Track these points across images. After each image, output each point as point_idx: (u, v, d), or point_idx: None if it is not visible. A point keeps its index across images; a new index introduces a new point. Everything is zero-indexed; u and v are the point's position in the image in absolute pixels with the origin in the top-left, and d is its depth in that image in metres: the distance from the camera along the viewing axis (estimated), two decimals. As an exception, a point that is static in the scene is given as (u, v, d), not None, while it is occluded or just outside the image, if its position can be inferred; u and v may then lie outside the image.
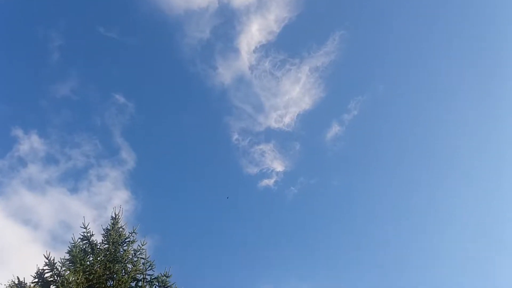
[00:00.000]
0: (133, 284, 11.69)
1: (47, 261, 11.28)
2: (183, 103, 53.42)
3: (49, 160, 43.71)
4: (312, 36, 51.31)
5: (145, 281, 11.70)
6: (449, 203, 50.46)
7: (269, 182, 46.07)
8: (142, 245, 12.51)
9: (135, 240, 12.71)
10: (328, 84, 47.61)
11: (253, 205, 50.18)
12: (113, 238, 12.40)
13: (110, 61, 51.03)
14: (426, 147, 52.88)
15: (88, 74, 49.18)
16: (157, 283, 11.73)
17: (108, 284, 11.44)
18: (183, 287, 12.15)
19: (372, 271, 44.04)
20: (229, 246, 46.97)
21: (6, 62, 47.47)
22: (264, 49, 46.05)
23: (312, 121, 49.71)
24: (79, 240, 12.11)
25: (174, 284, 11.90)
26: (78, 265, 11.25)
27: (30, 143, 42.31)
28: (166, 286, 11.73)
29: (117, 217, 13.02)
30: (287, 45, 48.87)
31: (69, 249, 11.68)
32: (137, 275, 11.83)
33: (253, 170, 46.92)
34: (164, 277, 11.80)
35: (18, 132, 42.64)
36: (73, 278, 11.07)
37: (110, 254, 12.06)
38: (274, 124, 47.14)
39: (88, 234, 12.29)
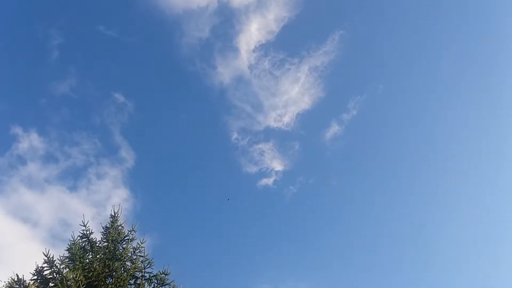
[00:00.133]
0: (132, 281, 11.73)
1: (46, 258, 11.32)
2: (183, 102, 53.44)
3: (49, 158, 43.72)
4: (312, 36, 51.31)
5: (143, 278, 11.75)
6: (448, 203, 50.58)
7: (268, 181, 46.14)
8: (141, 243, 12.57)
9: (134, 238, 12.76)
10: (327, 83, 47.65)
11: (252, 204, 50.24)
12: (112, 236, 12.45)
13: (110, 59, 51.01)
14: (425, 147, 52.98)
15: (87, 72, 49.16)
16: (155, 281, 11.79)
17: (107, 281, 11.48)
18: (182, 285, 12.21)
19: (370, 271, 44.14)
20: (228, 245, 47.04)
21: (6, 60, 47.43)
22: (264, 49, 46.07)
23: (311, 121, 49.76)
24: (79, 238, 12.15)
25: (173, 282, 11.97)
26: (77, 263, 11.29)
27: (29, 141, 42.31)
28: (164, 284, 11.78)
29: (116, 215, 13.07)
30: (287, 45, 48.90)
31: (69, 247, 11.71)
32: (136, 272, 11.88)
33: (252, 169, 46.98)
34: (163, 275, 11.85)
35: (18, 130, 42.61)
36: (72, 276, 11.12)
37: (109, 252, 12.11)
38: (273, 124, 47.20)
39: (88, 232, 12.33)
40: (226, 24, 46.27)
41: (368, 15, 51.11)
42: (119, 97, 45.89)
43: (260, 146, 46.41)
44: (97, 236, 12.57)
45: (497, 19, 48.55)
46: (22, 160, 42.36)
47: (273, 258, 45.35)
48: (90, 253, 12.03)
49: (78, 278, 11.06)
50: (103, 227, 12.79)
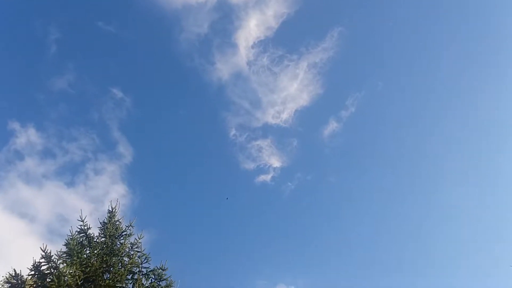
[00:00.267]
0: (129, 277, 11.74)
1: (43, 254, 11.30)
2: (181, 98, 53.37)
3: (46, 153, 43.66)
4: (311, 32, 51.25)
5: (141, 274, 11.75)
6: (446, 201, 50.71)
7: (266, 177, 46.20)
8: (139, 239, 12.56)
9: (132, 234, 12.75)
10: (326, 80, 47.65)
11: (250, 201, 50.31)
12: (110, 232, 12.44)
13: (108, 55, 50.88)
14: (423, 144, 53.06)
15: (85, 68, 49.04)
16: (153, 276, 11.79)
17: (105, 277, 11.49)
18: (179, 280, 12.23)
19: (367, 268, 44.27)
20: (225, 241, 47.12)
21: (4, 55, 47.23)
22: (262, 45, 46.01)
23: (309, 118, 49.79)
24: (76, 233, 12.14)
25: (170, 277, 11.98)
26: (75, 258, 11.29)
27: (27, 136, 42.23)
28: (162, 279, 11.79)
29: (114, 210, 13.06)
30: (285, 41, 48.84)
31: (66, 242, 11.70)
32: (133, 268, 11.89)
33: (250, 165, 47.01)
34: (160, 270, 11.86)
35: (15, 125, 42.51)
36: (70, 271, 11.11)
37: (107, 247, 12.10)
38: (271, 120, 47.21)
39: (85, 227, 12.32)
40: (225, 20, 46.19)
41: (367, 12, 51.08)
42: (117, 93, 45.83)
43: (258, 142, 46.46)
44: (94, 231, 12.58)
45: (497, 18, 48.56)
46: (19, 156, 42.30)
47: (270, 254, 45.48)
48: (88, 248, 12.03)
49: (76, 273, 11.06)
50: (100, 223, 12.79)
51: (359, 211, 50.60)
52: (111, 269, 11.64)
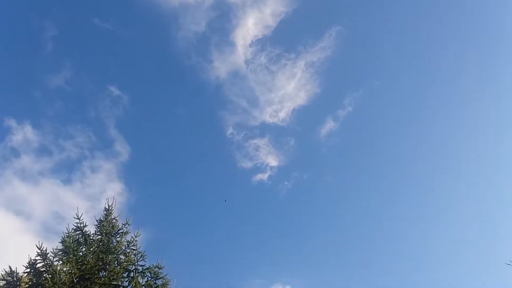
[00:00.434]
0: (125, 275, 11.72)
1: (39, 251, 11.27)
2: (178, 96, 53.30)
3: (42, 151, 43.53)
4: (309, 31, 51.29)
5: (137, 272, 11.74)
6: (444, 200, 50.90)
7: (263, 176, 46.22)
8: (135, 237, 12.53)
9: (128, 232, 12.72)
10: (323, 79, 47.71)
11: (247, 199, 50.32)
12: (106, 229, 12.41)
13: (105, 52, 50.72)
14: (420, 144, 53.20)
15: (82, 65, 48.91)
16: (149, 274, 11.78)
17: (101, 274, 11.47)
18: (175, 279, 12.22)
19: (364, 268, 44.37)
20: (222, 240, 47.11)
21: (0, 52, 47.02)
22: (260, 44, 45.99)
23: (307, 117, 49.83)
24: (72, 230, 12.11)
25: (166, 275, 11.96)
26: (70, 256, 11.26)
27: (23, 133, 42.07)
28: (158, 277, 11.78)
29: (110, 208, 13.02)
30: (283, 40, 48.86)
31: (62, 239, 11.67)
32: (129, 266, 11.87)
33: (247, 164, 47.02)
34: (157, 268, 11.85)
35: (11, 122, 42.34)
36: (65, 269, 11.09)
37: (103, 245, 12.08)
38: (269, 119, 47.22)
39: (81, 225, 12.29)
40: (223, 18, 46.14)
41: (365, 11, 51.13)
42: (114, 91, 45.74)
43: (256, 141, 46.47)
44: (91, 229, 12.55)
45: (495, 17, 48.69)
46: (15, 153, 42.16)
47: (267, 253, 45.53)
48: (84, 246, 11.99)
49: (71, 271, 11.04)
50: (97, 220, 12.75)
51: (356, 211, 50.71)
52: (107, 267, 11.62)
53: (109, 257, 11.85)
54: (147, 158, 51.03)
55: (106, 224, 12.56)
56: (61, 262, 11.19)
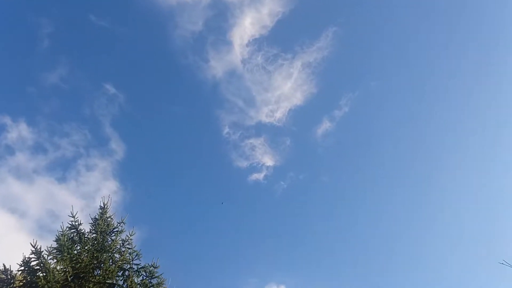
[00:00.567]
0: (120, 273, 11.69)
1: (33, 249, 11.21)
2: (174, 95, 53.20)
3: (37, 149, 43.34)
4: (305, 32, 51.40)
5: (132, 270, 11.71)
6: (440, 200, 51.13)
7: (259, 176, 46.26)
8: (131, 235, 12.49)
9: (123, 231, 12.67)
10: (320, 80, 47.79)
11: (242, 199, 50.33)
12: (101, 228, 12.36)
13: (101, 50, 50.58)
14: (416, 144, 53.39)
15: (78, 63, 48.73)
16: (144, 273, 11.74)
17: (95, 273, 11.42)
18: (170, 278, 12.20)
19: (359, 268, 44.50)
20: (217, 239, 47.10)
21: (-4, 48, 46.72)
22: (257, 43, 46.01)
23: (303, 117, 49.92)
24: (67, 228, 12.05)
25: (161, 275, 11.93)
26: (65, 254, 11.21)
27: (18, 131, 41.87)
28: (153, 276, 11.75)
29: (105, 207, 12.96)
30: (280, 40, 48.92)
31: (57, 238, 11.61)
32: (124, 264, 11.83)
33: (243, 163, 47.03)
34: (152, 267, 11.82)
35: (6, 120, 42.14)
36: (60, 267, 11.04)
37: (97, 243, 12.03)
38: (265, 119, 47.24)
39: (76, 223, 12.23)
40: (220, 17, 46.11)
41: (362, 12, 51.24)
42: (110, 89, 45.59)
43: (252, 141, 46.48)
44: (85, 227, 12.49)
45: (492, 17, 48.93)
46: (10, 150, 41.96)
47: (262, 253, 45.57)
48: (78, 244, 11.94)
49: (66, 269, 10.99)
50: (92, 219, 12.70)
51: (351, 211, 50.84)
52: (102, 265, 11.57)
53: (103, 255, 11.80)
54: (142, 156, 50.96)
55: (101, 222, 12.51)
56: (55, 260, 11.13)
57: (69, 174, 43.44)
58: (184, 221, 48.98)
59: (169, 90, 53.09)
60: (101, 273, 11.38)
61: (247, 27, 45.06)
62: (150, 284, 11.54)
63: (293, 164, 50.08)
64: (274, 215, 50.36)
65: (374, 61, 52.82)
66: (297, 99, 47.43)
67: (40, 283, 10.25)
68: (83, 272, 11.15)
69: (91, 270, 11.30)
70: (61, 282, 10.59)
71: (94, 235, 12.31)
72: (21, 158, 42.20)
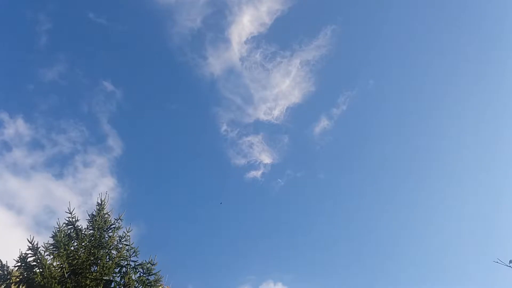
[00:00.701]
0: (117, 270, 11.66)
1: (30, 245, 11.16)
2: (172, 92, 53.10)
3: (35, 145, 43.20)
4: (304, 30, 51.35)
5: (129, 267, 11.68)
6: (437, 198, 51.29)
7: (256, 173, 46.27)
8: (128, 232, 12.46)
9: (121, 227, 12.63)
10: (318, 78, 47.78)
11: (240, 196, 50.34)
12: (98, 224, 12.32)
13: (99, 47, 50.39)
14: (414, 143, 53.52)
15: (76, 59, 48.53)
16: (141, 270, 11.72)
17: (92, 269, 11.39)
18: (167, 275, 12.19)
19: (355, 265, 44.62)
20: (214, 237, 47.12)
21: (-7, 44, 46.45)
22: (255, 41, 45.92)
23: (301, 115, 49.96)
24: (64, 225, 12.00)
25: (159, 272, 11.91)
26: (62, 250, 11.17)
27: (15, 127, 41.69)
28: (150, 273, 11.72)
29: (103, 203, 12.92)
30: (279, 38, 48.89)
31: (54, 234, 11.57)
32: (121, 261, 11.80)
33: (240, 161, 47.04)
34: (149, 264, 11.78)
35: (4, 116, 41.95)
36: (56, 263, 11.01)
37: (95, 239, 12.00)
38: (263, 116, 47.22)
39: (73, 219, 12.18)
40: (218, 15, 45.99)
41: (361, 10, 51.24)
42: (108, 86, 45.46)
43: (249, 138, 46.47)
44: (82, 223, 12.45)
45: (491, 16, 49.02)
46: (7, 146, 41.77)
47: (259, 250, 45.62)
48: (75, 240, 11.90)
49: (62, 265, 10.95)
50: (89, 215, 12.65)
51: (348, 209, 50.96)
52: (99, 261, 11.54)
53: (101, 252, 11.77)
54: (140, 153, 50.88)
55: (98, 219, 12.47)
56: (51, 256, 11.09)
57: (67, 170, 43.37)
58: (182, 218, 48.99)
59: (167, 87, 52.99)
60: (98, 269, 11.34)
61: (245, 24, 45.00)
62: (148, 281, 11.52)
63: (290, 162, 50.17)
64: (272, 213, 50.44)
65: (372, 60, 52.89)
66: (295, 97, 47.47)
67: (37, 279, 10.22)
68: (80, 269, 11.12)
69: (88, 267, 11.27)
70: (58, 278, 10.56)
71: (91, 231, 12.27)
72: (18, 154, 42.05)
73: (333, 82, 53.01)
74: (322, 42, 45.81)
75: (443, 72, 51.91)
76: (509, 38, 49.09)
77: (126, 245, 12.18)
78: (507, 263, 5.41)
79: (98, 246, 11.84)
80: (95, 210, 12.76)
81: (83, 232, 12.18)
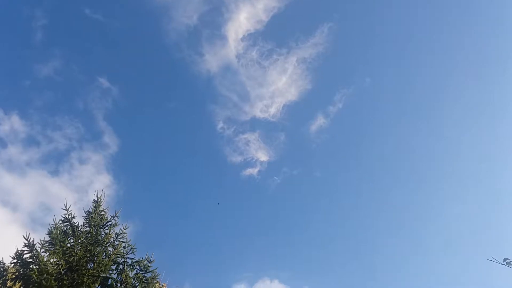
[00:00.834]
0: (113, 267, 11.66)
1: (26, 242, 11.14)
2: (168, 89, 52.98)
3: (30, 141, 43.01)
4: (301, 27, 51.30)
5: (126, 264, 11.68)
6: (432, 197, 51.54)
7: (252, 171, 46.33)
8: (124, 229, 12.44)
9: (117, 224, 12.62)
10: (314, 75, 47.86)
11: (236, 194, 50.38)
12: (95, 221, 12.31)
13: (95, 43, 50.16)
14: (410, 141, 53.72)
15: (72, 55, 48.28)
16: (138, 267, 11.72)
17: (88, 266, 11.38)
18: (164, 272, 12.21)
19: (351, 262, 44.81)
20: (211, 234, 47.15)
21: (-13, 39, 46.07)
22: (252, 38, 45.94)
23: (297, 112, 50.02)
24: (60, 222, 11.98)
25: (156, 269, 11.93)
26: (57, 247, 11.15)
27: (10, 124, 41.46)
28: (147, 270, 11.73)
29: (99, 200, 12.90)
30: (275, 35, 48.87)
31: (49, 231, 11.54)
32: (118, 258, 11.80)
33: (237, 158, 47.06)
34: (146, 261, 11.79)
35: (-2, 112, 41.64)
36: (53, 260, 10.99)
37: (91, 236, 11.98)
38: (259, 114, 47.23)
39: (70, 216, 12.16)
40: (215, 11, 45.90)
41: (358, 8, 51.27)
42: (104, 82, 45.28)
43: (246, 136, 46.48)
44: (79, 221, 12.43)
45: (487, 15, 49.20)
46: (2, 143, 41.56)
47: (255, 247, 45.73)
48: (72, 237, 11.88)
49: (59, 262, 10.94)
50: (85, 212, 12.62)
51: (344, 206, 51.13)
52: (95, 258, 11.54)
53: (97, 249, 11.76)
54: (136, 150, 50.78)
55: (94, 216, 12.45)
56: (47, 253, 11.07)
57: (62, 167, 43.23)
58: (178, 215, 48.97)
59: (163, 84, 52.87)
60: (94, 266, 11.34)
61: (242, 21, 44.92)
62: (144, 278, 11.53)
63: (287, 160, 50.26)
64: (268, 210, 50.54)
65: (369, 58, 53.00)
66: (292, 94, 47.51)
67: (34, 275, 10.20)
68: (76, 265, 11.11)
69: (84, 264, 11.26)
70: (54, 275, 10.55)
71: (88, 228, 12.26)
72: (13, 151, 41.85)
73: (329, 80, 53.11)
74: (318, 39, 45.87)
75: (440, 70, 52.16)
76: (507, 36, 49.30)
77: (123, 242, 12.18)
78: (502, 261, 5.47)
79: (94, 243, 11.82)
80: (91, 207, 12.74)
81: (79, 229, 12.15)
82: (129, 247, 12.03)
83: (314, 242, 47.77)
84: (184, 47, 47.60)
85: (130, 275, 11.47)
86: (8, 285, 10.82)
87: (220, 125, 47.15)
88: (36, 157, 42.71)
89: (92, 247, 11.68)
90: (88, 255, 11.51)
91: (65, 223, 12.10)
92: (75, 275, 10.95)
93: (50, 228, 11.62)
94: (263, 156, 46.14)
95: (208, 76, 48.37)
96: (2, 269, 10.85)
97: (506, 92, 49.66)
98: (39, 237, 11.46)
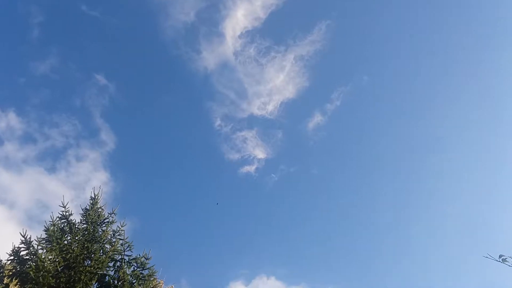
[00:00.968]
0: (111, 264, 11.66)
1: (23, 239, 11.13)
2: (166, 86, 52.88)
3: (27, 139, 42.90)
4: (299, 24, 51.29)
5: (123, 261, 11.69)
6: (428, 195, 51.72)
7: (250, 168, 46.39)
8: (121, 226, 12.45)
9: (114, 221, 12.63)
10: (312, 73, 47.88)
11: (233, 191, 50.40)
12: (92, 218, 12.30)
13: (92, 40, 49.98)
14: (407, 139, 53.86)
15: (69, 53, 48.13)
16: (135, 264, 11.73)
17: (85, 263, 11.39)
18: (161, 269, 12.21)
19: (347, 259, 44.96)
20: (208, 231, 47.19)
21: (-16, 36, 45.82)
22: (250, 35, 45.87)
23: (295, 110, 50.07)
24: (57, 219, 11.97)
25: (153, 266, 11.93)
26: (54, 244, 11.15)
27: (7, 121, 41.32)
28: (145, 267, 11.74)
29: (96, 197, 12.89)
30: (273, 32, 48.86)
31: (46, 228, 11.53)
32: (115, 255, 11.81)
33: (234, 156, 47.10)
34: (143, 258, 11.80)
35: (-5, 109, 41.47)
36: (50, 257, 10.98)
37: (88, 233, 11.98)
38: (257, 111, 47.25)
39: (67, 214, 12.15)
40: (212, 8, 45.82)
41: (356, 6, 51.27)
42: (101, 79, 45.17)
43: (243, 133, 46.50)
44: (76, 218, 12.42)
45: (485, 14, 49.30)
46: (-2, 140, 41.36)
47: (252, 244, 45.83)
48: (69, 234, 11.88)
49: (56, 259, 10.93)
50: (82, 209, 12.62)
51: (341, 204, 51.25)
52: (92, 255, 11.54)
53: (94, 246, 11.76)
54: (133, 148, 50.72)
55: (92, 213, 12.44)
56: (44, 250, 11.07)
57: (59, 164, 43.17)
58: (175, 213, 48.98)
59: (160, 81, 52.76)
60: (91, 263, 11.34)
61: (239, 18, 44.86)
62: (142, 275, 11.53)
63: (284, 157, 50.33)
64: (265, 208, 50.63)
65: (367, 56, 53.06)
66: (289, 92, 47.53)
67: (31, 272, 10.19)
68: (73, 263, 11.10)
69: (81, 261, 11.26)
70: (52, 272, 10.54)
71: (85, 225, 12.25)
72: (10, 148, 41.74)
73: (327, 77, 53.19)
74: (316, 37, 45.88)
75: (438, 69, 52.27)
76: (506, 35, 49.44)
77: (120, 239, 12.19)
78: (497, 258, 5.50)
79: (91, 240, 11.82)
80: (89, 204, 12.74)
81: (76, 226, 12.15)
82: (126, 244, 12.04)
83: (311, 239, 47.93)
84: (182, 44, 47.55)
85: (127, 272, 11.48)
86: (5, 282, 10.81)
87: (218, 122, 47.18)
88: (33, 154, 42.64)
89: (89, 244, 11.68)
90: (85, 252, 11.51)
91: (62, 220, 12.09)
92: (72, 272, 10.95)
93: (47, 225, 11.61)
94: (260, 154, 46.21)
95: (205, 74, 48.35)
96: (-1, 266, 10.84)
97: (504, 91, 49.86)
98: (36, 234, 11.48)
